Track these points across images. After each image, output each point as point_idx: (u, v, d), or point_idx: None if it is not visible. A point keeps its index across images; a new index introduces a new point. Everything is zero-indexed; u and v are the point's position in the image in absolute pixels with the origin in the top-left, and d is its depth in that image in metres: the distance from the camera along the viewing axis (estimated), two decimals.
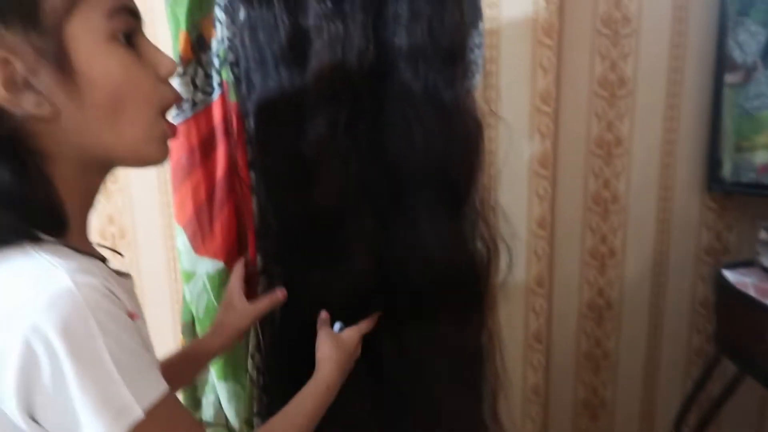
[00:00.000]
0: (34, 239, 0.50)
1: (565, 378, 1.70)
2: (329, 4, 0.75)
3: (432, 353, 0.86)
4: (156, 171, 1.53)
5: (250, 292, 0.91)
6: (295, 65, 0.79)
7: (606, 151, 1.57)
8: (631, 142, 1.57)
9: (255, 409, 0.96)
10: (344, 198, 0.78)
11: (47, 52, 0.49)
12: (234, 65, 0.84)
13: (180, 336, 1.05)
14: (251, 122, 0.85)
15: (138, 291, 0.63)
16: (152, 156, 0.58)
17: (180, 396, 1.00)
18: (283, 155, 0.82)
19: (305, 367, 0.76)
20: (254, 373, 0.94)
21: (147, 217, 1.58)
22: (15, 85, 0.49)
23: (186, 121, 0.86)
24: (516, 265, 1.10)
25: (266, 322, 0.94)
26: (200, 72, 0.86)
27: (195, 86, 0.86)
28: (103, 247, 0.63)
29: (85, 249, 0.54)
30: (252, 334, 0.97)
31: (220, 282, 0.93)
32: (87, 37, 0.51)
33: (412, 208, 0.80)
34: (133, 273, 0.62)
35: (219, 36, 0.83)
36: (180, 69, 0.85)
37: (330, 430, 0.74)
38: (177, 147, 0.87)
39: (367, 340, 0.83)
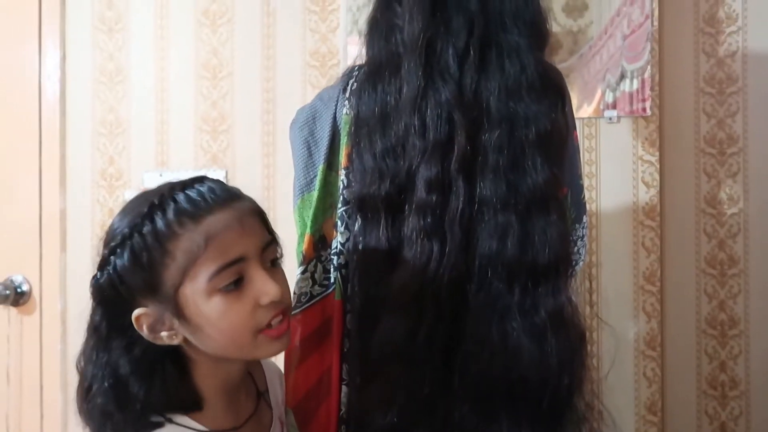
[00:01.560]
0: (154, 426, 0.69)
1: None
2: (429, 220, 0.81)
3: None
4: None
5: None
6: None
7: (720, 332, 1.49)
8: (747, 322, 1.49)
9: None
10: (426, 411, 0.78)
11: (168, 308, 0.69)
12: (343, 267, 0.92)
13: None
14: (353, 319, 0.90)
15: None
16: (263, 355, 0.77)
17: None
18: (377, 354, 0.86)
19: None
20: None
21: None
22: (154, 328, 0.70)
23: (303, 312, 0.94)
24: None
25: None
26: (319, 267, 0.95)
27: (314, 281, 0.95)
28: None
29: (213, 424, 0.72)
30: None
31: None
32: (194, 297, 0.68)
33: (512, 423, 0.79)
34: None
35: (337, 238, 0.93)
36: (302, 267, 0.94)
37: None
38: (293, 336, 0.94)
39: None
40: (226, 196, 0.72)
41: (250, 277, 0.70)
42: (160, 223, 0.68)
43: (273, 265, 0.76)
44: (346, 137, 0.92)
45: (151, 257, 0.67)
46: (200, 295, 0.68)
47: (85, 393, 0.71)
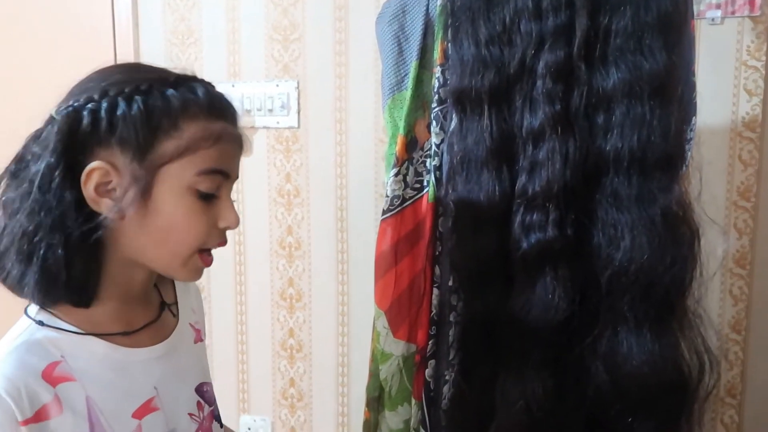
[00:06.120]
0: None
1: None
2: (558, 112, 0.77)
3: None
4: (334, 242, 1.65)
5: (418, 376, 0.95)
6: (500, 169, 0.82)
7: None
8: None
9: None
10: (547, 304, 0.78)
11: (140, 180, 0.62)
12: (437, 169, 0.89)
13: (365, 408, 1.09)
14: (447, 221, 0.89)
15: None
16: (181, 278, 0.72)
17: None
18: (480, 254, 0.84)
19: None
20: None
21: (322, 282, 1.69)
22: (103, 192, 0.62)
23: (395, 215, 0.93)
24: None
25: (431, 402, 0.96)
26: (411, 170, 0.93)
27: (406, 183, 0.93)
28: None
29: (93, 327, 0.65)
30: (415, 408, 0.99)
31: (413, 364, 0.97)
32: (173, 182, 0.63)
33: (619, 318, 0.78)
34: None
35: (432, 139, 0.90)
36: (395, 169, 0.92)
37: None
38: (384, 239, 0.94)
39: None
40: (239, 118, 0.70)
41: (221, 197, 0.67)
42: (188, 95, 0.63)
43: None
44: (440, 31, 0.87)
45: (160, 120, 0.62)
46: (181, 183, 0.63)
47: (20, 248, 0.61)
